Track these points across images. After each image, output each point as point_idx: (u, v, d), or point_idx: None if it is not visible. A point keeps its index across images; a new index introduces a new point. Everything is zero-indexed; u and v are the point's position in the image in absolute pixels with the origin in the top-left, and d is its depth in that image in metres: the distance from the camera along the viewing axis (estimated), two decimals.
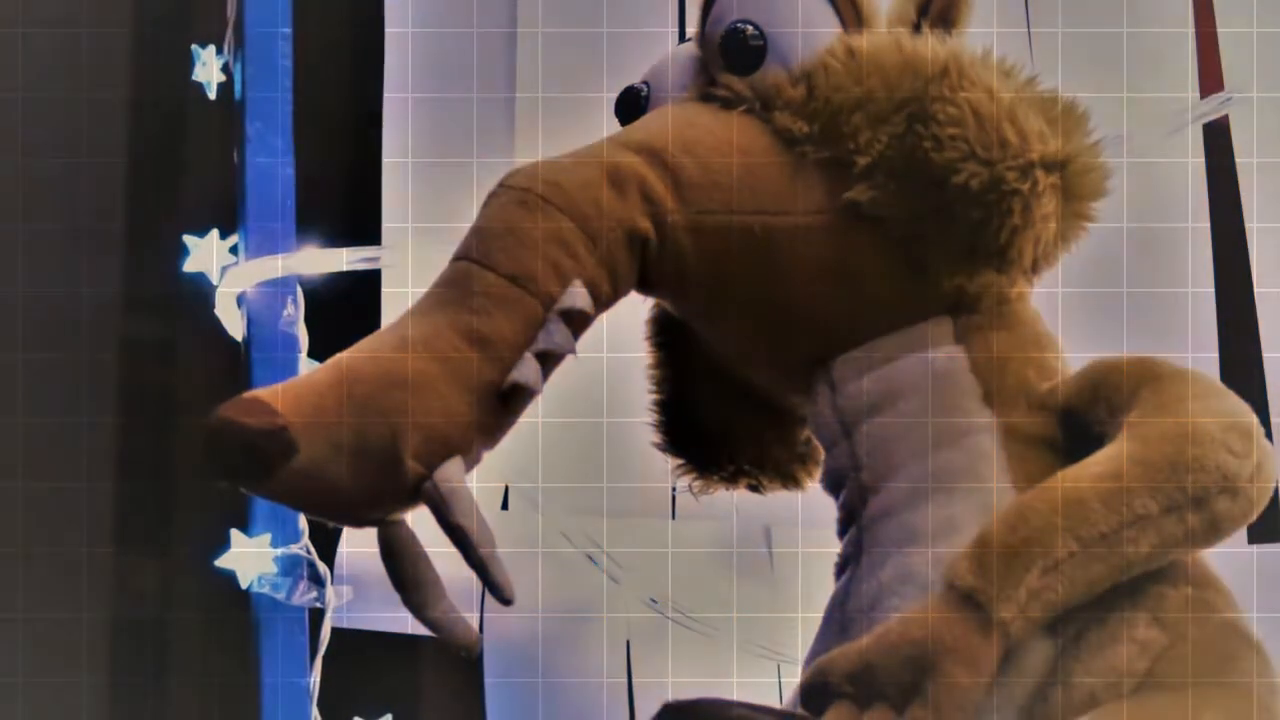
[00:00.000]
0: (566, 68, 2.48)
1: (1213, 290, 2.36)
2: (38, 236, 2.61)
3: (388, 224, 2.50)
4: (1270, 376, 2.33)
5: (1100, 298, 2.23)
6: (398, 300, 2.34)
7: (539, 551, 2.35)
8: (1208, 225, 2.39)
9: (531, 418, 1.33)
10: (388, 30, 2.55)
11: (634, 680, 2.45)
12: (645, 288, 1.42)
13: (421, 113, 2.52)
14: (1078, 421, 1.37)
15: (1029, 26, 2.50)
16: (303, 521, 2.26)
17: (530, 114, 2.49)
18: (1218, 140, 2.40)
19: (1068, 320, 1.48)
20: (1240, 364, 2.33)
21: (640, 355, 1.63)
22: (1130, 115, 2.13)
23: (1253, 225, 2.33)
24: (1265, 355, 2.31)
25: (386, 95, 2.54)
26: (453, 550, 1.26)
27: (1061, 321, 1.46)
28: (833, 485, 1.46)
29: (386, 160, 2.51)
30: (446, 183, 2.41)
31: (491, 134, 2.50)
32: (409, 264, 2.33)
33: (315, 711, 2.22)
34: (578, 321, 1.31)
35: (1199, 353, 2.26)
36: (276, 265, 2.35)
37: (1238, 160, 2.37)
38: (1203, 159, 2.40)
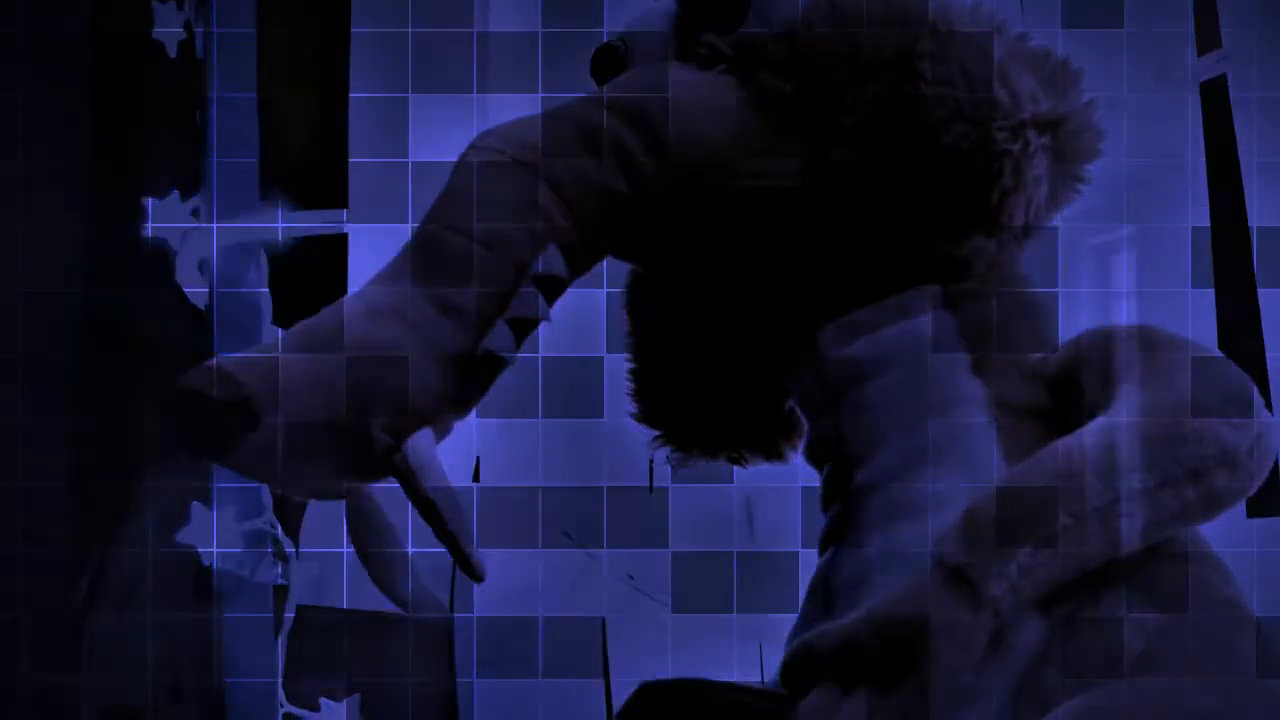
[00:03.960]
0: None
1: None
2: None
3: (354, 185, 2.48)
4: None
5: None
6: (365, 265, 2.32)
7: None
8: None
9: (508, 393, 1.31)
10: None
11: (610, 659, 2.44)
12: (622, 252, 1.39)
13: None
14: (1070, 391, 1.33)
15: None
16: (267, 495, 2.25)
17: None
18: (1215, 101, 2.38)
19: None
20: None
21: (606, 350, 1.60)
22: (1125, 75, 2.11)
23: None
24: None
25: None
26: (424, 525, 1.24)
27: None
28: (816, 457, 1.43)
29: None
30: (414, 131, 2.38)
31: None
32: (379, 228, 2.31)
33: (280, 692, 2.20)
34: (552, 287, 1.29)
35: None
36: (240, 229, 2.34)
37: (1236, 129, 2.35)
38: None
